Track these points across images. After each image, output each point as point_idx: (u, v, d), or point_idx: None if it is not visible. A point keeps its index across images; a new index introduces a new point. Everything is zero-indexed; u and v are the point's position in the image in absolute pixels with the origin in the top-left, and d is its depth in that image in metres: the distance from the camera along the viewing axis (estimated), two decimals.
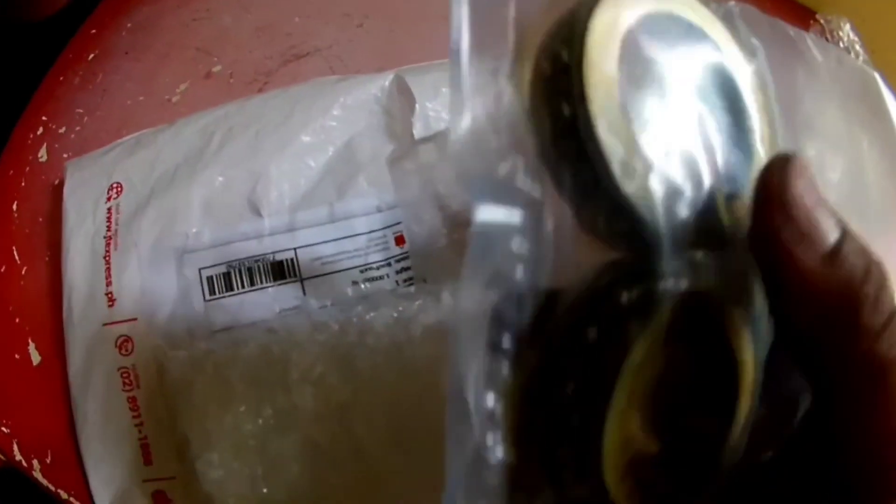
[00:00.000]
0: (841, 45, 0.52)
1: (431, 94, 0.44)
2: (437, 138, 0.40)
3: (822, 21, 0.48)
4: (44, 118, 0.49)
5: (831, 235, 0.19)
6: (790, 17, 0.54)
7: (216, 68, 0.48)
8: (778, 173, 0.19)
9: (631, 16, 0.20)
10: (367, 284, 0.39)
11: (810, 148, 0.24)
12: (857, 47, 0.51)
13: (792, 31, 0.26)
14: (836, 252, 0.18)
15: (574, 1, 0.20)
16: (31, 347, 0.43)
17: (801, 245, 0.18)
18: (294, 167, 0.42)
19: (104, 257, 0.42)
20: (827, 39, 0.50)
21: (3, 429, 0.41)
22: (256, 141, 0.43)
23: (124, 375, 0.39)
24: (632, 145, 0.18)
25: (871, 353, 0.18)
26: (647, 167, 0.18)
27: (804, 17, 0.54)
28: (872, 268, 0.18)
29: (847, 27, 0.52)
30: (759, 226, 0.19)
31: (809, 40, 0.26)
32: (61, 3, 0.20)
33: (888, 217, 0.26)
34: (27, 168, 0.47)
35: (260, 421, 0.35)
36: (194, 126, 0.44)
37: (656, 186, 0.18)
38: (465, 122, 0.18)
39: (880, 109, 0.28)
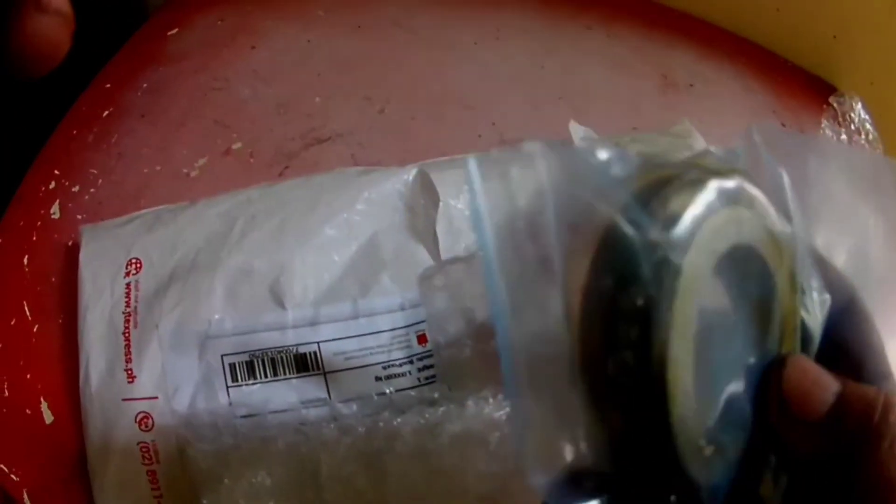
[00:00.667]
0: (853, 126, 0.56)
1: (455, 192, 0.45)
2: (467, 258, 0.42)
3: (835, 104, 0.52)
4: (56, 172, 0.49)
5: (831, 392, 0.22)
6: (805, 87, 0.58)
7: (236, 145, 0.49)
8: (775, 375, 0.22)
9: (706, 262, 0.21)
10: (390, 381, 0.41)
11: (819, 235, 0.26)
12: (868, 125, 0.55)
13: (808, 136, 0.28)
14: (839, 403, 0.22)
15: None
16: (44, 406, 0.43)
17: (804, 409, 0.22)
18: (318, 260, 0.43)
19: (123, 333, 0.42)
20: (839, 123, 0.54)
21: (14, 476, 0.41)
22: (280, 231, 0.44)
23: (143, 450, 0.40)
24: (701, 418, 0.21)
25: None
26: (711, 446, 0.21)
27: (819, 87, 0.58)
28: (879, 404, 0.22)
29: (858, 106, 0.56)
30: (768, 415, 0.22)
31: (823, 135, 0.28)
32: (56, 62, 0.21)
33: (892, 288, 0.28)
34: (39, 223, 0.48)
35: None
36: (216, 209, 0.45)
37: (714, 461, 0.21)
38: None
39: (886, 187, 0.30)
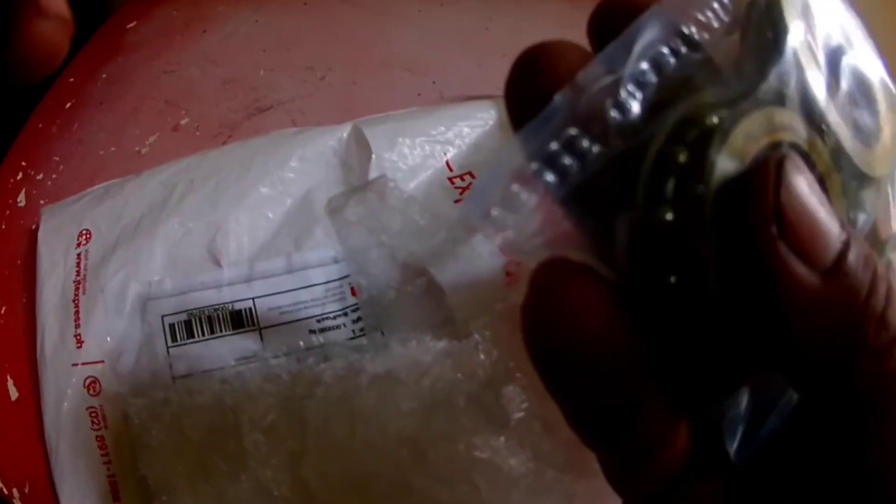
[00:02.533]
0: None
1: (388, 145, 0.44)
2: (378, 184, 0.40)
3: None
4: (23, 164, 0.50)
5: (833, 246, 0.16)
6: None
7: (184, 121, 0.49)
8: (774, 169, 0.16)
9: None
10: (323, 334, 0.40)
11: None
12: None
13: None
14: (838, 265, 0.16)
15: None
16: (10, 384, 0.43)
17: (800, 259, 0.16)
18: (252, 219, 0.43)
19: (73, 300, 0.42)
20: None
21: None
22: (216, 193, 0.43)
23: (92, 415, 0.40)
24: None
25: (877, 373, 0.16)
26: None
27: None
28: (878, 282, 0.16)
29: None
30: (753, 231, 0.16)
31: None
32: (55, 66, 0.21)
33: None
34: (7, 212, 0.48)
35: (217, 463, 0.36)
36: (158, 177, 0.45)
37: None
38: None
39: None
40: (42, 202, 0.48)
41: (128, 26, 0.54)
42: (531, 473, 0.33)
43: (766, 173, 0.16)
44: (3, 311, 0.45)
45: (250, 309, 0.41)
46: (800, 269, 0.16)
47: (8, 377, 0.43)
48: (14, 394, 0.43)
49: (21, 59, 0.21)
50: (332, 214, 0.35)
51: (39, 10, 0.21)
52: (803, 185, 0.16)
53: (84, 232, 0.44)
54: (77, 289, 0.43)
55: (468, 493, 0.32)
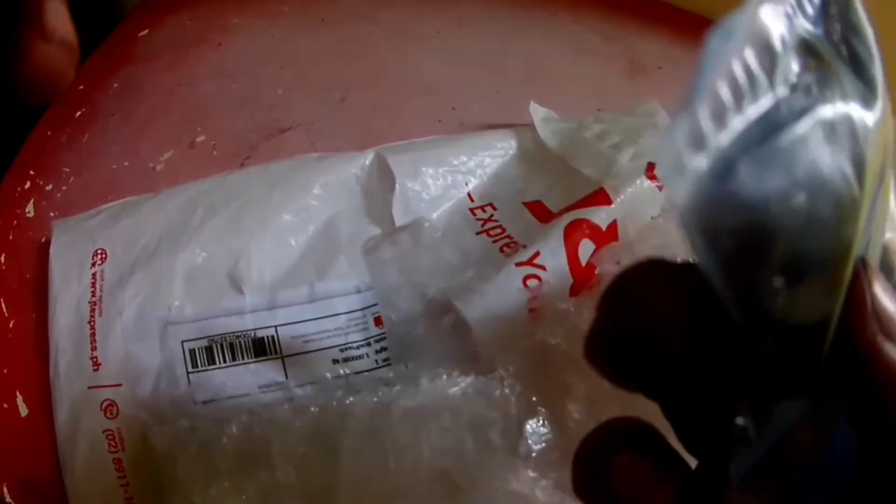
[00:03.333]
0: None
1: (411, 174, 0.45)
2: (413, 227, 0.41)
3: None
4: (32, 172, 0.50)
5: None
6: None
7: (200, 139, 0.49)
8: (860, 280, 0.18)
9: None
10: (347, 364, 0.41)
11: None
12: None
13: None
14: None
15: None
16: (19, 399, 0.43)
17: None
18: (275, 245, 0.43)
19: (89, 322, 0.42)
20: None
21: None
22: (238, 218, 0.44)
23: (109, 437, 0.40)
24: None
25: None
26: None
27: None
28: None
29: None
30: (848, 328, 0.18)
31: None
32: (59, 91, 0.22)
33: None
34: (15, 222, 0.48)
35: (243, 497, 0.37)
36: (177, 199, 0.45)
37: None
38: None
39: None
40: (52, 214, 0.48)
41: (140, 34, 0.54)
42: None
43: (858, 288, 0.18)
44: (11, 325, 0.45)
45: (273, 337, 0.42)
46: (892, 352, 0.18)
47: (17, 393, 0.43)
48: (24, 410, 0.43)
49: (26, 83, 0.21)
50: (367, 254, 0.36)
51: (44, 35, 0.21)
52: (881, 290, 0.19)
53: (99, 251, 0.44)
54: (93, 310, 0.43)
55: None
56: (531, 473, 0.35)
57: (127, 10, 0.55)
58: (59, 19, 0.22)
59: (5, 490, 0.41)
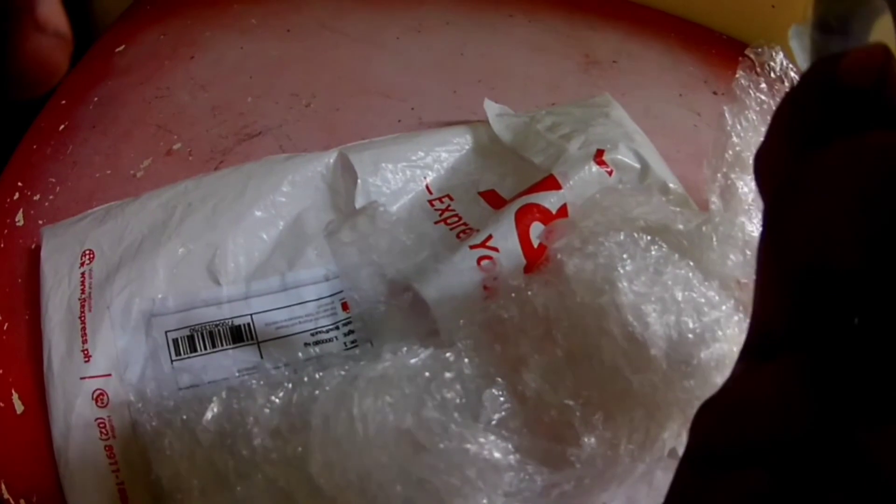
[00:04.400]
0: (773, 74, 0.57)
1: (372, 170, 0.50)
2: (368, 210, 0.46)
3: (752, 55, 0.53)
4: (20, 184, 0.54)
5: None
6: (718, 49, 0.61)
7: (176, 146, 0.54)
8: None
9: None
10: (318, 347, 0.46)
11: None
12: (792, 73, 0.55)
13: None
14: None
15: None
16: (15, 397, 0.47)
17: None
18: (248, 240, 0.48)
19: (80, 317, 0.47)
20: (757, 73, 0.55)
21: None
22: (213, 215, 0.49)
23: (101, 425, 0.44)
24: None
25: None
26: None
27: (733, 47, 0.61)
28: None
29: (780, 57, 0.54)
30: None
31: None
32: (54, 82, 0.24)
33: None
34: (5, 231, 0.53)
35: (228, 464, 0.41)
36: (157, 200, 0.50)
37: None
38: None
39: None
40: (40, 222, 0.53)
41: (116, 50, 0.59)
42: (515, 465, 0.39)
43: None
44: (5, 328, 0.50)
45: (249, 324, 0.47)
46: None
47: (13, 391, 0.47)
48: (19, 407, 0.47)
49: (20, 75, 0.22)
50: (329, 237, 0.41)
51: (38, 26, 0.22)
52: None
53: (87, 252, 0.49)
54: (83, 306, 0.47)
55: (461, 482, 0.39)
56: (492, 437, 0.40)
57: (101, 26, 0.60)
58: (53, 10, 0.23)
59: (2, 486, 0.44)
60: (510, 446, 0.40)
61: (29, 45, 0.22)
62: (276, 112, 0.55)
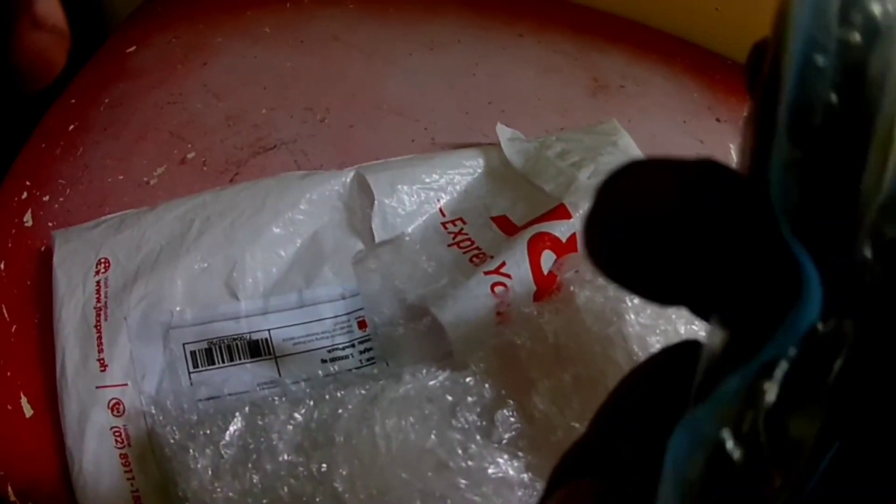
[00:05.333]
0: None
1: (389, 191, 0.52)
2: (396, 241, 0.49)
3: None
4: (27, 183, 0.55)
5: None
6: (722, 74, 0.64)
7: (190, 155, 0.55)
8: None
9: None
10: (335, 363, 0.49)
11: None
12: None
13: None
14: None
15: None
16: (24, 401, 0.48)
17: None
18: (266, 256, 0.50)
19: (95, 326, 0.48)
20: None
21: None
22: (231, 230, 0.50)
23: (116, 434, 0.46)
24: None
25: None
26: None
27: (736, 72, 0.64)
28: None
29: None
30: None
31: None
32: (51, 78, 0.25)
33: None
34: (13, 231, 0.54)
35: (253, 478, 0.44)
36: (175, 212, 0.51)
37: None
38: None
39: None
40: (50, 224, 0.54)
41: (127, 51, 0.60)
42: (527, 483, 0.43)
43: None
44: (13, 330, 0.51)
45: (266, 339, 0.49)
46: None
47: (21, 394, 0.49)
48: (28, 411, 0.48)
49: (17, 70, 0.22)
50: (356, 265, 0.44)
51: (35, 22, 0.22)
52: None
53: (103, 260, 0.51)
54: (98, 315, 0.49)
55: (480, 498, 0.42)
56: (505, 456, 0.44)
57: (113, 25, 0.61)
58: (50, 6, 0.23)
59: (10, 490, 0.46)
60: (522, 464, 0.43)
61: (26, 41, 0.22)
62: (290, 126, 0.57)
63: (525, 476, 0.43)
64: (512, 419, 0.45)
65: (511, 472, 0.43)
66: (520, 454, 0.44)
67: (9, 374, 0.50)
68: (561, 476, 0.20)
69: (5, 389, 0.49)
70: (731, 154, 0.60)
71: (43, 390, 0.49)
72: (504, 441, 0.44)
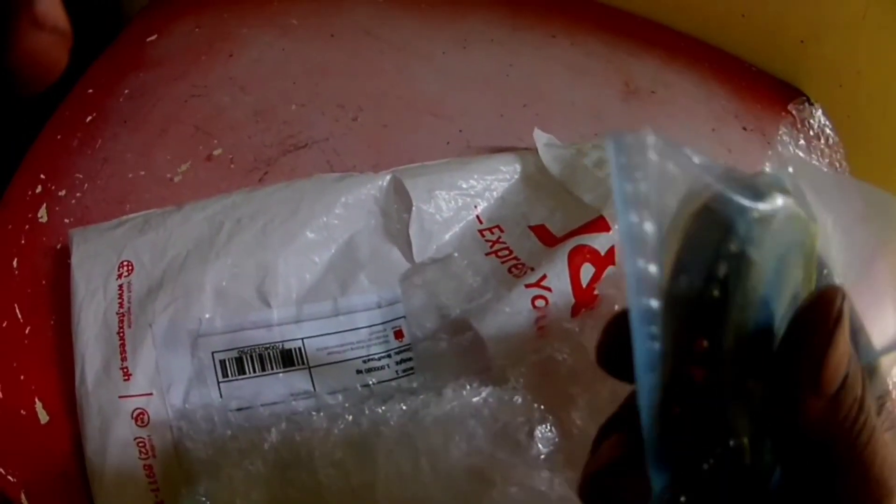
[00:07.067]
0: (811, 132, 0.61)
1: (426, 197, 0.51)
2: (443, 260, 0.49)
3: (793, 112, 0.58)
4: (42, 176, 0.54)
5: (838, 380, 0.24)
6: (770, 91, 0.65)
7: (217, 151, 0.54)
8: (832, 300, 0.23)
9: None
10: (370, 374, 0.48)
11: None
12: (828, 130, 0.60)
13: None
14: (837, 396, 0.24)
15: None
16: (39, 406, 0.47)
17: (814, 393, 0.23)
18: (300, 262, 0.49)
19: (118, 333, 0.47)
20: (798, 129, 0.60)
21: (10, 478, 0.45)
22: (264, 234, 0.49)
23: (140, 445, 0.45)
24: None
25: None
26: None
27: (784, 92, 0.64)
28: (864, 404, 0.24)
29: (818, 113, 0.61)
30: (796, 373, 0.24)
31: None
32: (53, 78, 0.24)
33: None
34: (27, 227, 0.52)
35: (289, 494, 0.43)
36: (203, 213, 0.50)
37: None
38: None
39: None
40: (67, 220, 0.52)
41: (147, 39, 0.58)
42: (564, 497, 0.43)
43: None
44: (27, 331, 0.50)
45: (300, 349, 0.48)
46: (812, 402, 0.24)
47: (36, 399, 0.47)
48: (44, 417, 0.47)
49: (19, 70, 0.23)
50: (403, 280, 0.43)
51: (36, 22, 0.23)
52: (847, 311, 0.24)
53: (125, 263, 0.49)
54: (121, 321, 0.48)
55: None
56: (546, 472, 0.43)
57: (131, 13, 0.59)
58: (51, 6, 0.23)
59: (23, 496, 0.45)
60: (560, 480, 0.43)
61: (27, 42, 0.22)
62: (322, 124, 0.55)
63: (567, 492, 0.43)
64: (550, 434, 0.45)
65: (556, 489, 0.43)
66: (559, 472, 0.44)
67: (22, 377, 0.48)
68: (604, 432, 0.28)
69: (19, 393, 0.48)
70: (758, 165, 0.60)
71: (59, 396, 0.48)
72: (542, 457, 0.44)
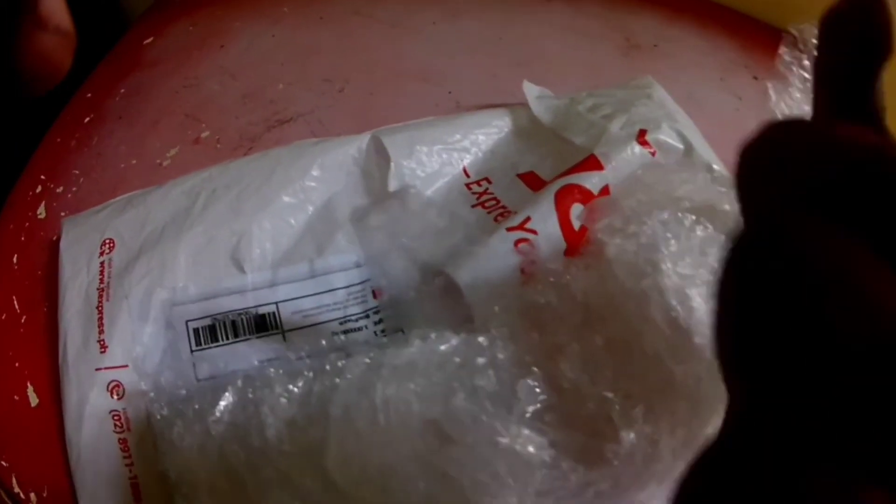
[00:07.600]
0: (815, 51, 0.57)
1: (406, 153, 0.49)
2: (400, 193, 0.46)
3: (794, 32, 0.53)
4: (42, 177, 0.55)
5: None
6: (758, 36, 0.61)
7: (204, 134, 0.54)
8: None
9: None
10: (346, 336, 0.45)
11: None
12: None
13: None
14: None
15: None
16: (30, 390, 0.47)
17: None
18: (275, 226, 0.48)
19: (97, 307, 0.47)
20: (800, 49, 0.56)
21: (3, 462, 0.45)
22: (238, 201, 0.48)
23: (115, 418, 0.44)
24: None
25: None
26: None
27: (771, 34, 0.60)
28: None
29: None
30: None
31: None
32: (57, 80, 0.24)
33: None
34: (27, 224, 0.53)
35: (239, 456, 0.40)
36: (181, 187, 0.50)
37: None
38: None
39: None
40: (63, 214, 0.53)
41: (144, 42, 0.60)
42: (549, 462, 0.38)
43: None
44: (23, 321, 0.50)
45: (274, 313, 0.46)
46: None
47: (28, 384, 0.47)
48: (34, 400, 0.47)
49: (23, 72, 0.22)
50: (356, 222, 0.41)
51: (40, 24, 0.22)
52: None
53: (107, 241, 0.49)
54: (101, 296, 0.47)
55: (489, 478, 0.37)
56: (525, 431, 0.38)
57: (131, 19, 0.62)
58: (55, 7, 0.23)
59: (14, 480, 0.44)
60: (545, 441, 0.38)
61: (31, 44, 0.22)
62: (308, 98, 0.55)
63: (547, 454, 0.37)
64: (537, 389, 0.39)
65: (531, 449, 0.37)
66: (543, 429, 0.38)
67: (17, 364, 0.48)
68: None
69: (13, 380, 0.48)
70: (769, 112, 0.55)
71: (49, 379, 0.47)
72: (527, 414, 0.39)
